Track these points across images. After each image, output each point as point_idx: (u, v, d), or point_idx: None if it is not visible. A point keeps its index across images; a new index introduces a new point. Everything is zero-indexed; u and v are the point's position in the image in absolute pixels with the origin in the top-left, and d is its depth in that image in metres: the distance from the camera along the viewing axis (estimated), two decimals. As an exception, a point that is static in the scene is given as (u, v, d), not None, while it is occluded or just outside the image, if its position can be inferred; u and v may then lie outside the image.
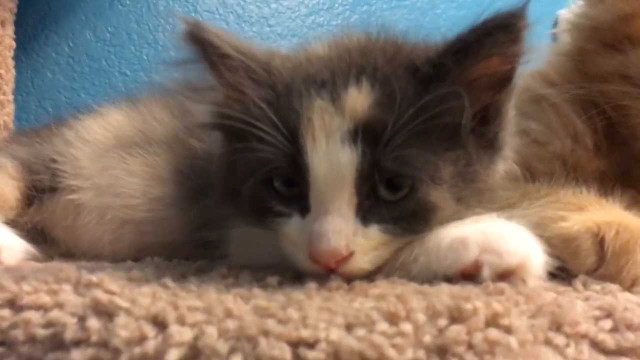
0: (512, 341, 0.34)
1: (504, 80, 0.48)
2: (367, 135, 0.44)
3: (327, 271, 0.44)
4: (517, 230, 0.44)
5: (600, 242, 0.45)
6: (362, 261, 0.45)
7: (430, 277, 0.44)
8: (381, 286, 0.42)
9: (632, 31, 0.55)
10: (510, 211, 0.49)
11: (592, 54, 0.59)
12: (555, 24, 0.83)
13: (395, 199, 0.45)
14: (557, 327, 0.36)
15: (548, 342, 0.35)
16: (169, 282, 0.45)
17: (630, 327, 0.38)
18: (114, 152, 0.74)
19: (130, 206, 0.71)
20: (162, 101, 0.79)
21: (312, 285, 0.42)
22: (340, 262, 0.44)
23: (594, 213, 0.48)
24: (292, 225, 0.47)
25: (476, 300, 0.37)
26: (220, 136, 0.54)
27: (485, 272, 0.42)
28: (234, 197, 0.51)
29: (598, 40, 0.59)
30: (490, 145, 0.49)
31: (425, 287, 0.41)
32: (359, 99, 0.46)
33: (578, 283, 0.44)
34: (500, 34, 0.45)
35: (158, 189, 0.71)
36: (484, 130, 0.48)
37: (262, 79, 0.49)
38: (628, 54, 0.55)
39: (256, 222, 0.49)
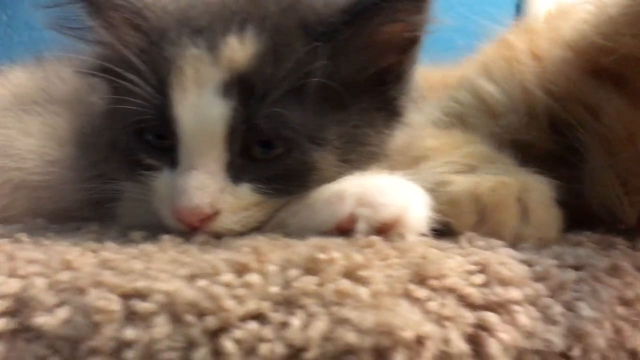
0: (364, 292, 0.31)
1: (406, 46, 0.46)
2: (244, 89, 0.41)
3: (192, 229, 0.41)
4: (398, 184, 0.41)
5: (478, 200, 0.43)
6: (230, 221, 0.42)
7: (308, 234, 0.41)
8: (247, 239, 0.39)
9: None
10: (410, 171, 0.47)
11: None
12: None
13: (269, 158, 0.42)
14: (420, 280, 0.34)
15: (407, 295, 0.33)
16: (23, 237, 0.42)
17: (501, 282, 0.35)
18: (10, 111, 0.69)
19: (24, 169, 0.66)
20: (70, 59, 0.74)
21: (167, 238, 0.39)
22: (205, 221, 0.41)
23: (481, 174, 0.46)
24: (162, 180, 0.43)
25: (335, 251, 0.34)
26: (101, 85, 0.50)
27: (361, 226, 0.39)
28: (112, 150, 0.48)
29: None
30: (386, 108, 0.46)
31: (293, 241, 0.38)
32: (239, 49, 0.42)
33: (463, 240, 0.42)
34: (402, 1, 0.43)
35: (56, 151, 0.66)
36: (381, 93, 0.46)
37: (137, 23, 0.45)
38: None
39: (129, 176, 0.46)
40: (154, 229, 0.43)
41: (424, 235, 0.41)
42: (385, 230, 0.40)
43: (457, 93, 0.61)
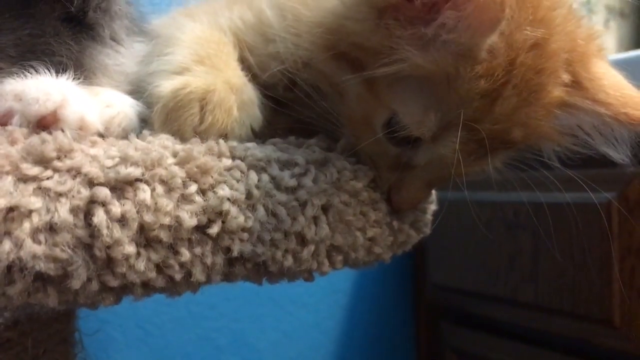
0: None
1: None
2: None
3: None
4: (58, 82, 0.41)
5: (165, 101, 0.44)
6: None
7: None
8: None
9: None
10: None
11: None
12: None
13: None
14: (40, 161, 0.34)
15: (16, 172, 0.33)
16: None
17: (131, 163, 0.36)
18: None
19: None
20: None
21: None
22: None
23: (189, 76, 0.47)
24: None
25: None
26: None
27: (15, 121, 0.39)
28: None
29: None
30: (72, 20, 0.46)
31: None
32: None
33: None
34: None
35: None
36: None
37: None
38: None
39: None
40: None
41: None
42: (45, 125, 0.40)
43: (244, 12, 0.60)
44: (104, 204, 0.34)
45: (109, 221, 0.34)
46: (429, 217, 0.52)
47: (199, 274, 0.37)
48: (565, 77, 0.46)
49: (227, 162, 0.39)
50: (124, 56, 0.49)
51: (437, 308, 1.30)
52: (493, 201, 1.12)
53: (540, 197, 1.04)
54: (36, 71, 0.44)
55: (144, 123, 0.46)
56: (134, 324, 1.14)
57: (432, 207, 0.53)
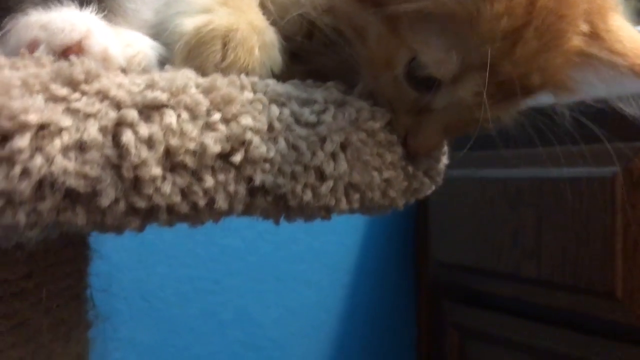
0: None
1: None
2: None
3: None
4: (83, 14, 0.42)
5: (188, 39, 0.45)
6: None
7: None
8: None
9: None
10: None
11: None
12: None
13: None
14: (69, 83, 0.35)
15: (45, 92, 0.34)
16: None
17: (157, 89, 0.37)
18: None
19: None
20: None
21: None
22: None
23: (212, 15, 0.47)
24: None
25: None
26: None
27: (41, 50, 0.40)
28: None
29: None
30: None
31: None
32: None
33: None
34: None
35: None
36: None
37: None
38: None
39: None
40: None
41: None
42: (68, 53, 0.40)
43: None
44: (131, 125, 0.35)
45: (137, 142, 0.34)
46: (442, 166, 0.53)
47: (222, 202, 0.38)
48: (584, 27, 0.46)
49: (249, 95, 0.40)
50: (144, 2, 0.50)
51: (438, 286, 1.31)
52: (496, 178, 1.13)
53: (544, 173, 1.05)
54: (60, 3, 0.44)
55: (162, 67, 0.47)
56: (139, 296, 1.15)
57: (445, 159, 0.54)
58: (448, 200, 1.24)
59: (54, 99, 0.34)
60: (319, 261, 1.28)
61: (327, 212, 0.43)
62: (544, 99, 0.94)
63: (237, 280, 1.21)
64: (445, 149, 0.54)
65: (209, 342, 1.19)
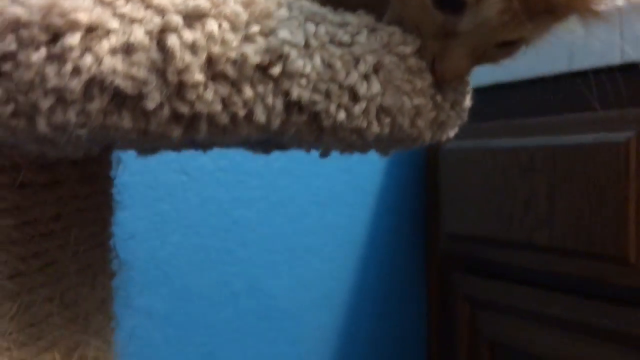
0: None
1: None
2: None
3: None
4: None
5: None
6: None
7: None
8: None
9: None
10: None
11: None
12: None
13: None
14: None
15: None
16: None
17: None
18: None
19: None
20: None
21: None
22: None
23: None
24: None
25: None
26: None
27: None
28: None
29: None
30: None
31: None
32: None
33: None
34: None
35: None
36: None
37: None
38: None
39: None
40: None
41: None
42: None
43: None
44: (176, 30, 0.35)
45: (181, 46, 0.35)
46: (467, 103, 0.53)
47: (260, 114, 0.39)
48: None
49: (285, 12, 0.41)
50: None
51: (449, 257, 1.32)
52: (508, 147, 1.13)
53: (556, 141, 1.05)
54: None
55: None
56: (153, 266, 1.15)
57: (469, 98, 0.55)
58: (459, 171, 1.25)
59: (101, 3, 0.35)
60: (330, 233, 1.29)
61: (359, 135, 0.44)
62: (559, 66, 0.94)
63: (250, 250, 1.22)
64: (470, 87, 0.55)
65: (222, 312, 1.20)
